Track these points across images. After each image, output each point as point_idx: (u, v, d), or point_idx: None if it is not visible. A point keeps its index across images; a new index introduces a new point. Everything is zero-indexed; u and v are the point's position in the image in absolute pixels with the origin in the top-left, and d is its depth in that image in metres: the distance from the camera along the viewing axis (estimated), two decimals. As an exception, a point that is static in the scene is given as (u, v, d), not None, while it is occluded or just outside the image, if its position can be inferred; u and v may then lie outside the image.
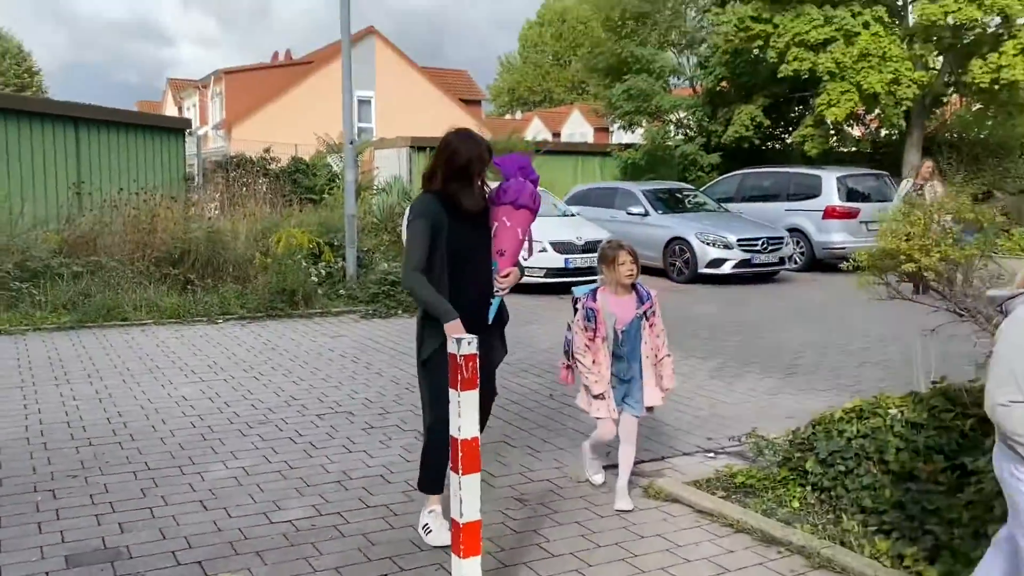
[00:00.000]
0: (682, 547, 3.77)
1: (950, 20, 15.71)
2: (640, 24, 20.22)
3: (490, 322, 3.79)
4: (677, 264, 13.34)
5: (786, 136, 20.65)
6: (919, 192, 10.98)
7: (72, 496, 4.27)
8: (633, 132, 21.67)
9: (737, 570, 3.56)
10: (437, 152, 3.78)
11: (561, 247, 11.77)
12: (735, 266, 12.84)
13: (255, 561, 3.59)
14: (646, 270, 13.98)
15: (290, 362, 7.47)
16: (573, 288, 4.52)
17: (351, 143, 10.99)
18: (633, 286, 4.25)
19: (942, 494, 3.72)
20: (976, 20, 15.59)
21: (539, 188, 3.97)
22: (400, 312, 9.94)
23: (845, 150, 19.20)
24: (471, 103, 37.20)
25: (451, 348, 2.89)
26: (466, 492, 2.86)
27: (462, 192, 3.70)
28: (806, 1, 16.76)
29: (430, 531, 3.78)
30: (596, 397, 4.19)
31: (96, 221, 11.22)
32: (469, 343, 2.86)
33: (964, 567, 3.29)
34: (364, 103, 33.15)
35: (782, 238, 13.46)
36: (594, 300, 4.20)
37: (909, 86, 16.12)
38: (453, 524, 2.93)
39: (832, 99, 16.55)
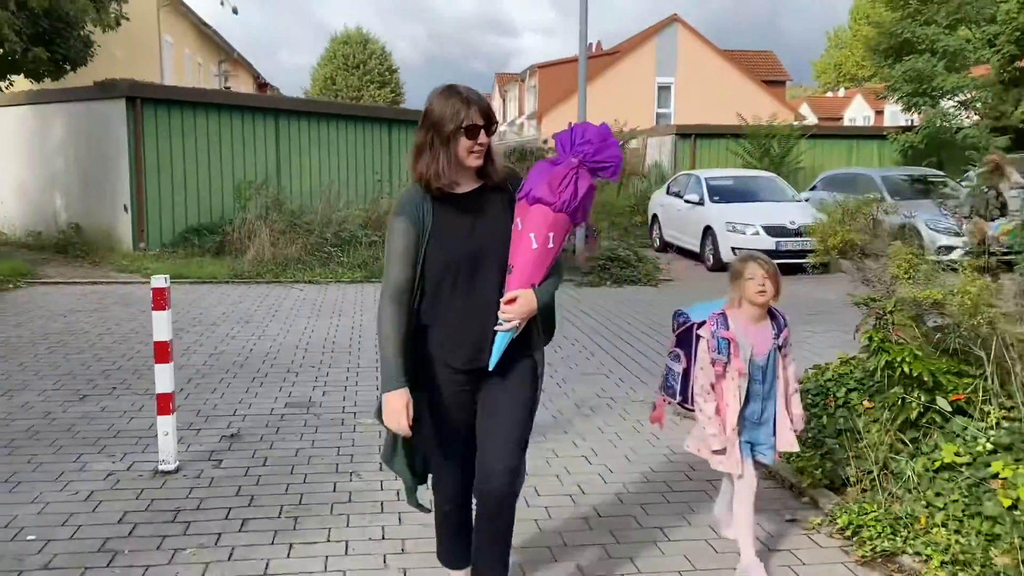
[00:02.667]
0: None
1: None
2: (925, 3, 19.69)
3: (491, 366, 2.80)
4: (906, 249, 13.56)
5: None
6: (988, 185, 10.26)
7: (305, 376, 6.80)
8: (918, 114, 21.13)
9: (675, 464, 5.05)
10: None
11: (773, 231, 12.75)
12: (966, 253, 12.80)
13: (386, 417, 5.78)
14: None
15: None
16: (680, 310, 3.74)
17: (582, 138, 12.92)
18: (769, 310, 3.48)
19: (860, 420, 4.87)
20: None
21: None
22: (609, 284, 11.76)
23: None
24: (774, 84, 37.19)
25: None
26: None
27: (431, 170, 2.74)
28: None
29: None
30: (715, 452, 3.48)
31: (392, 201, 14.43)
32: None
33: (837, 466, 4.54)
34: (664, 89, 34.83)
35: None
36: (726, 327, 3.39)
37: None
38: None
39: None
